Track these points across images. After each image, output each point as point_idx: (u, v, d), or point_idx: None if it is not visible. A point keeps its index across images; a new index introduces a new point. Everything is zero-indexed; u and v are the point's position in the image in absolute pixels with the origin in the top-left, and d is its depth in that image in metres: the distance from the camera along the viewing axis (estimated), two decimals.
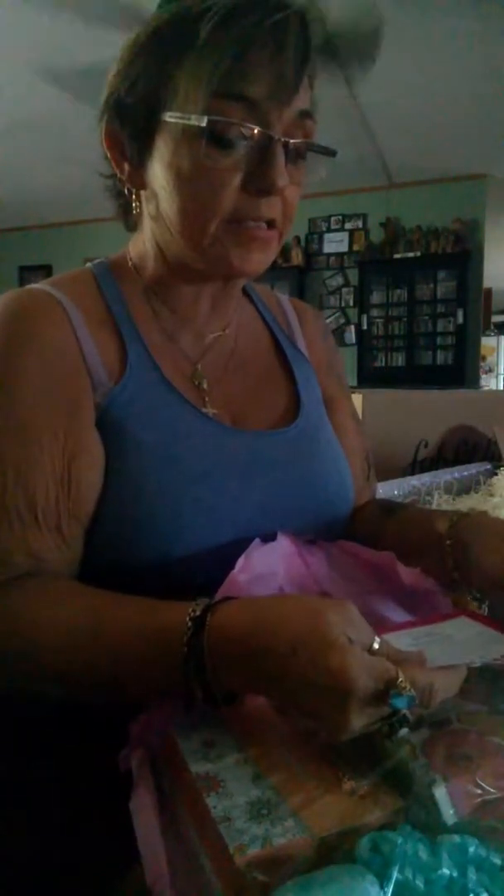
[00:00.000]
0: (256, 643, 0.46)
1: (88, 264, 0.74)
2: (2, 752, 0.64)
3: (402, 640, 0.52)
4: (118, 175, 0.68)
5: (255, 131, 0.59)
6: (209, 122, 0.58)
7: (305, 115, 0.62)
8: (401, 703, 0.42)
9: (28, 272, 7.08)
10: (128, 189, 0.68)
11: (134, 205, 0.69)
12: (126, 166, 0.66)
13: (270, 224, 0.64)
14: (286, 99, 0.59)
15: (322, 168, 0.65)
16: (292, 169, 0.62)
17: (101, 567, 0.62)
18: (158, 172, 0.63)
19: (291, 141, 0.61)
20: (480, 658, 0.50)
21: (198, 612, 0.49)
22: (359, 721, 0.43)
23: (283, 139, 0.60)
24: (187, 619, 0.49)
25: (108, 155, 0.67)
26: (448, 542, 0.66)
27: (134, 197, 0.68)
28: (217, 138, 0.59)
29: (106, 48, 0.67)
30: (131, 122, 0.63)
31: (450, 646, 0.55)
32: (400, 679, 0.43)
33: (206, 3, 0.57)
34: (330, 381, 0.83)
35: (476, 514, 0.71)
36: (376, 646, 0.46)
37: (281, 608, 0.48)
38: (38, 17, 3.19)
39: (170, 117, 0.60)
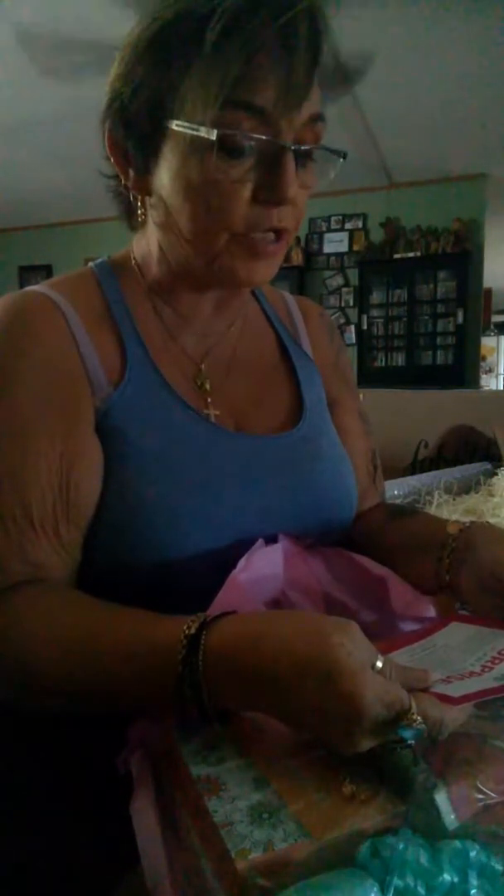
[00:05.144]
0: (258, 667, 0.45)
1: (90, 264, 0.73)
2: (2, 753, 0.64)
3: (400, 658, 0.52)
4: (123, 180, 0.66)
5: (265, 140, 0.57)
6: (218, 134, 0.56)
7: (316, 118, 0.60)
8: (408, 735, 0.42)
9: (28, 272, 7.08)
10: (132, 195, 0.67)
11: (139, 211, 0.67)
12: (131, 172, 0.65)
13: (280, 232, 0.62)
14: (296, 105, 0.57)
15: (331, 170, 0.64)
16: (301, 172, 0.61)
17: (99, 572, 0.62)
18: (166, 181, 0.62)
19: (302, 147, 0.59)
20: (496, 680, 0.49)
21: (192, 630, 0.48)
22: (366, 744, 0.43)
23: (293, 146, 0.58)
24: (182, 636, 0.48)
25: (112, 160, 0.65)
26: (454, 541, 0.66)
27: (139, 202, 0.67)
28: (226, 149, 0.57)
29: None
30: (136, 130, 0.62)
31: (448, 654, 0.55)
32: (412, 711, 0.42)
33: (212, 4, 0.55)
34: (335, 382, 0.82)
35: (489, 524, 0.71)
36: (380, 664, 0.45)
37: (282, 629, 0.47)
38: (38, 16, 3.19)
39: (177, 126, 0.58)
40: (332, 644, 0.44)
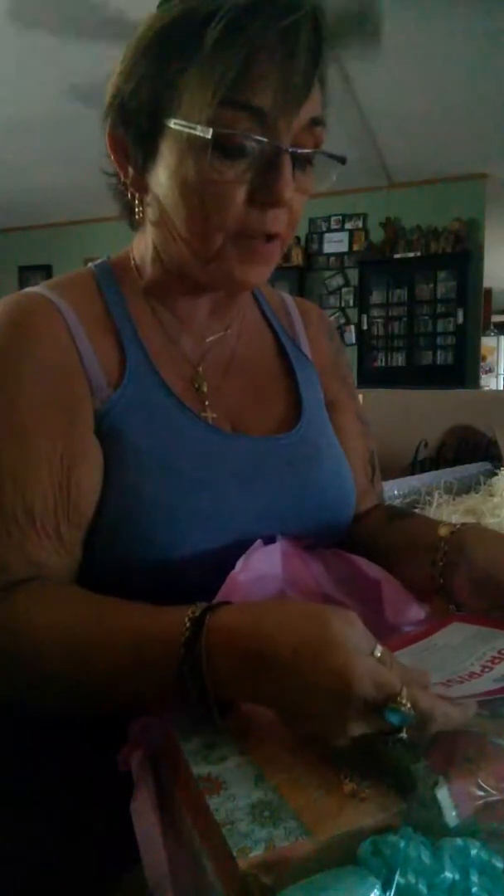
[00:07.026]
0: (257, 647, 0.45)
1: (90, 264, 0.73)
2: (2, 752, 0.64)
3: (400, 659, 0.52)
4: (122, 178, 0.66)
5: (262, 142, 0.57)
6: (214, 133, 0.56)
7: (316, 122, 0.60)
8: (395, 719, 0.42)
9: (28, 272, 7.08)
10: (131, 192, 0.67)
11: (137, 209, 0.68)
12: (130, 170, 0.65)
13: (273, 236, 0.62)
14: (295, 108, 0.57)
15: (331, 175, 0.64)
16: (300, 176, 0.60)
17: (100, 572, 0.62)
18: (162, 179, 0.62)
19: (300, 151, 0.59)
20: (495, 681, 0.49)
21: (197, 614, 0.49)
22: (356, 727, 0.43)
23: (290, 149, 0.58)
24: (186, 619, 0.49)
25: (112, 158, 0.66)
26: (445, 543, 0.66)
27: (137, 200, 0.67)
28: (223, 148, 0.57)
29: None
30: (135, 127, 0.62)
31: (448, 654, 0.55)
32: (402, 695, 0.42)
33: (214, 5, 0.55)
34: (334, 383, 0.82)
35: (480, 525, 0.72)
36: (378, 653, 0.45)
37: (283, 613, 0.48)
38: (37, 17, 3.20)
39: (174, 124, 0.58)
40: (331, 626, 0.45)
